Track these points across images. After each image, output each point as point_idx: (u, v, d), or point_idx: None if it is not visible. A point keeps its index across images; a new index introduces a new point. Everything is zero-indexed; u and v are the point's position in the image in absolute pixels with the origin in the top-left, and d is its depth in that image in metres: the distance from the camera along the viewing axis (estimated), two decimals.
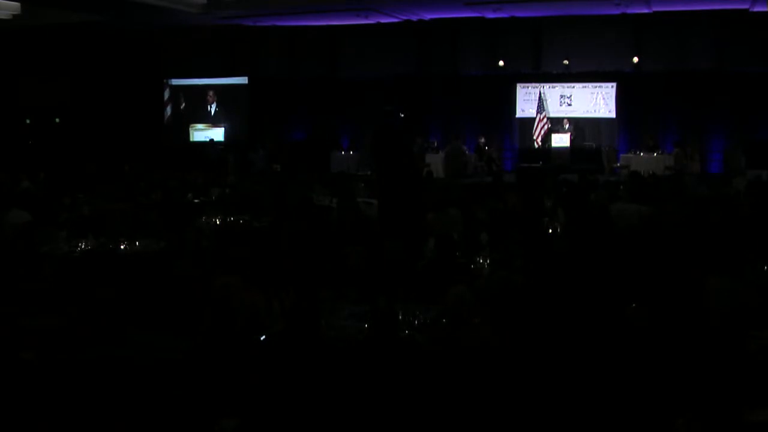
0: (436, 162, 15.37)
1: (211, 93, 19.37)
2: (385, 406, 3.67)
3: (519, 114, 17.46)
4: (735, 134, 15.44)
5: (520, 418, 3.63)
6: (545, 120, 16.71)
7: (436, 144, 16.90)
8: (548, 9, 15.49)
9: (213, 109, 19.51)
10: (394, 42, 17.43)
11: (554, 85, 17.05)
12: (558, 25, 16.37)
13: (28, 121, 19.89)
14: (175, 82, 19.74)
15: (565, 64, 16.53)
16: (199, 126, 19.67)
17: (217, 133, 19.29)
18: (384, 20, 16.86)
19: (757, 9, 14.33)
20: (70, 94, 19.25)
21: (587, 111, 16.96)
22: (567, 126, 16.67)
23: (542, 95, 16.85)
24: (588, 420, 3.61)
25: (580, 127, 16.79)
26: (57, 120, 19.69)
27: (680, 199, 8.42)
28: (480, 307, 4.25)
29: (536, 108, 16.84)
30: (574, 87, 17.02)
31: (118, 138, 18.26)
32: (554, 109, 17.02)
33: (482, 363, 3.88)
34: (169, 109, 19.95)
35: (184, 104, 19.73)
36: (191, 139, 19.63)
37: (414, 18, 16.87)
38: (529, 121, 17.08)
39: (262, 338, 4.18)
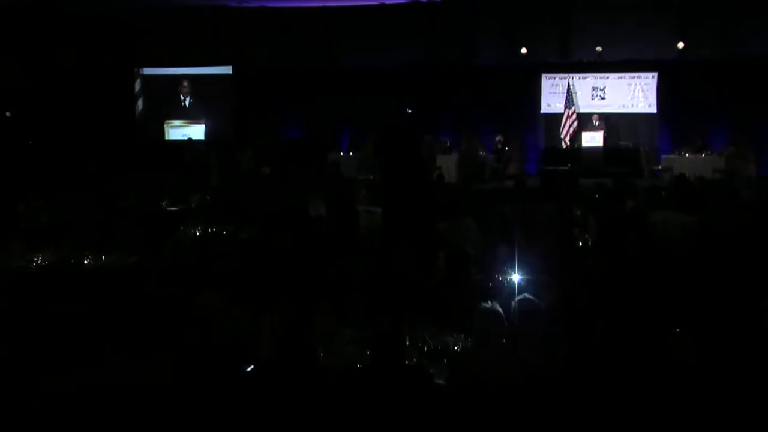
0: (448, 164, 15.41)
1: (185, 83, 19.47)
2: None
3: (544, 109, 17.50)
4: None
5: None
6: (574, 116, 16.74)
7: (448, 144, 16.95)
8: None
9: (190, 102, 19.59)
10: (401, 26, 17.51)
11: (585, 75, 17.10)
12: (590, 6, 16.43)
13: None
14: (148, 71, 19.83)
15: (598, 52, 16.57)
16: (176, 122, 19.75)
17: (197, 131, 19.36)
18: (389, 1, 16.94)
19: None
20: (24, 84, 19.28)
21: (623, 105, 17.00)
22: (599, 123, 16.70)
23: (571, 87, 16.89)
24: None
25: (614, 123, 16.82)
26: (7, 114, 19.72)
27: (732, 208, 8.42)
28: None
29: (564, 102, 16.88)
30: (608, 78, 17.07)
31: (81, 135, 18.32)
32: (585, 104, 17.06)
33: (508, 394, 3.90)
34: (140, 103, 20.03)
35: (157, 97, 19.83)
36: (166, 138, 19.71)
37: None
38: (555, 118, 17.12)
39: (249, 367, 4.19)
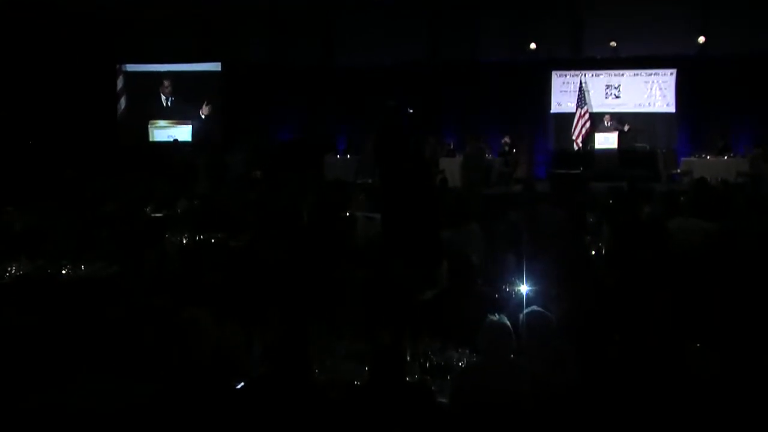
0: (452, 167, 15.44)
1: (166, 83, 19.48)
2: None
3: (554, 109, 17.54)
4: None
5: None
6: (587, 116, 16.77)
7: (452, 146, 16.98)
8: None
9: (173, 102, 19.60)
10: (402, 21, 17.54)
11: (598, 72, 17.15)
12: None
13: None
14: (131, 68, 19.86)
15: (612, 47, 16.61)
16: (161, 123, 19.78)
17: (183, 132, 19.39)
18: None
19: None
20: None
21: (640, 104, 17.04)
22: (611, 123, 16.72)
23: (583, 85, 16.94)
24: None
25: (630, 124, 16.85)
26: None
27: (757, 214, 8.43)
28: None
29: (576, 101, 16.91)
30: (623, 75, 17.13)
31: (58, 137, 18.29)
32: (598, 103, 17.10)
33: (515, 413, 3.91)
34: (123, 102, 20.05)
35: (141, 96, 19.84)
36: (151, 139, 19.74)
37: None
38: (566, 118, 17.15)
39: (239, 384, 4.20)
